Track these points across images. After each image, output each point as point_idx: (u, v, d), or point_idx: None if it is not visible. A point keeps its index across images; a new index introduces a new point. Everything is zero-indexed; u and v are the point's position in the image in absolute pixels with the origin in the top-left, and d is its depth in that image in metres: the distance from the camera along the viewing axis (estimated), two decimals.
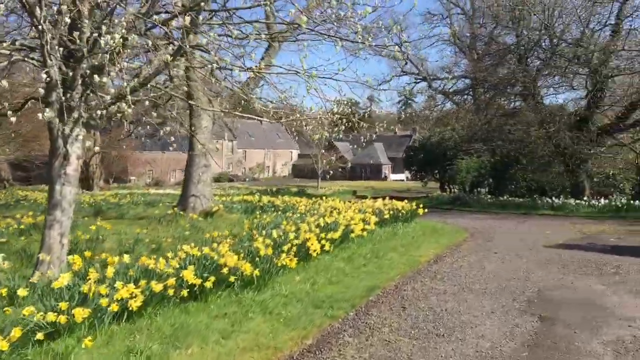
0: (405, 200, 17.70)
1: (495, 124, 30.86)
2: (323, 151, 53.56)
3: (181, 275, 6.62)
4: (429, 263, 10.25)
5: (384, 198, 17.57)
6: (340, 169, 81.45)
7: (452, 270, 9.68)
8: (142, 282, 6.17)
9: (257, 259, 8.01)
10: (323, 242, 9.82)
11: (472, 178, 36.52)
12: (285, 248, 8.76)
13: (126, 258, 7.17)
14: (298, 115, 10.30)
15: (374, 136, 11.36)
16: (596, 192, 26.84)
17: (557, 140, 24.77)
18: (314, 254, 9.24)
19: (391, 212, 15.69)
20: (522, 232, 15.25)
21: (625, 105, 24.27)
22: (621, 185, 27.04)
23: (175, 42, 7.24)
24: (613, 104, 25.58)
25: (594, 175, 27.16)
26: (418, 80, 47.68)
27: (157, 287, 6.13)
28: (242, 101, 10.79)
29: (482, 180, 36.83)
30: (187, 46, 6.83)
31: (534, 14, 25.60)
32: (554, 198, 24.03)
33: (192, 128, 18.21)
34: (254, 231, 11.18)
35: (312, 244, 9.28)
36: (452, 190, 39.01)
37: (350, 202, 18.76)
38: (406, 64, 48.75)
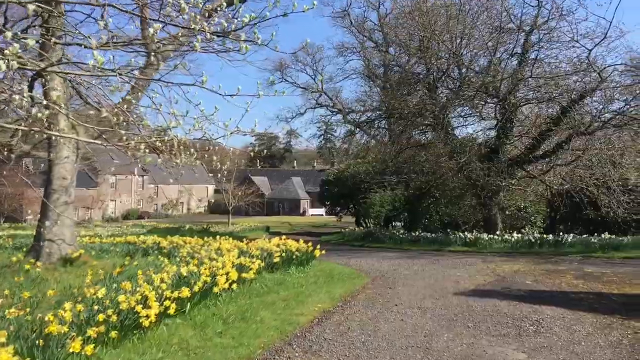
0: (306, 241, 15.51)
1: (407, 155, 29.69)
2: (232, 186, 50.95)
3: None
4: (310, 325, 7.98)
5: (282, 236, 15.30)
6: (257, 205, 78.88)
7: (336, 335, 7.46)
8: None
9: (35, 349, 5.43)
10: (167, 303, 7.34)
11: (386, 212, 35.18)
12: (100, 318, 6.24)
13: None
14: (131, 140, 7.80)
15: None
16: (509, 226, 25.90)
17: (468, 171, 23.64)
18: (147, 323, 6.73)
19: (283, 254, 13.43)
20: (431, 275, 13.38)
21: (534, 136, 23.53)
22: (532, 218, 26.29)
23: None
24: (522, 135, 24.91)
25: (506, 208, 26.24)
26: (333, 113, 46.53)
27: None
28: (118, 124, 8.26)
29: (397, 214, 35.60)
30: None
31: (442, 43, 24.70)
32: (466, 233, 22.70)
33: (49, 159, 15.35)
34: (87, 289, 8.51)
35: (143, 310, 6.77)
36: (368, 225, 37.54)
37: (248, 241, 16.29)
38: (320, 95, 47.74)
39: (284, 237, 15.78)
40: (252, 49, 5.17)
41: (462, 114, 27.30)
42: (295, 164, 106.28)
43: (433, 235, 23.97)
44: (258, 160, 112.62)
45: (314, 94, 47.13)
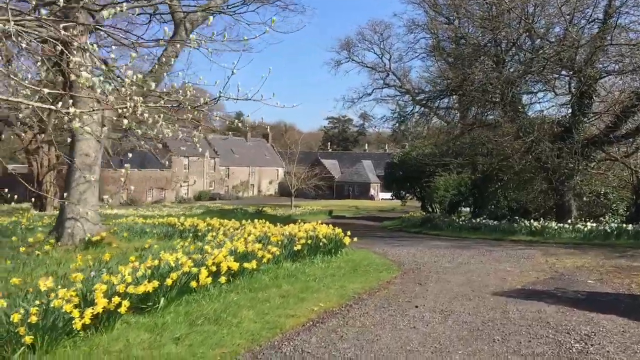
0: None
1: (472, 136, 27.39)
2: (295, 168, 50.07)
3: None
4: (295, 331, 6.60)
5: (323, 221, 13.92)
6: (326, 188, 78.07)
7: (320, 347, 6.04)
8: None
9: None
10: (116, 300, 6.14)
11: (450, 196, 33.05)
12: (14, 318, 5.15)
13: None
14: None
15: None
16: (586, 213, 23.24)
17: (537, 153, 21.20)
18: (79, 326, 5.54)
19: (309, 241, 12.09)
20: (475, 269, 11.59)
21: (615, 113, 20.70)
22: (614, 205, 23.40)
23: None
24: (602, 113, 22.07)
25: (583, 194, 23.52)
26: (401, 93, 44.33)
27: None
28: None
29: (462, 199, 33.41)
30: None
31: (512, 10, 22.21)
32: (532, 221, 20.39)
33: (72, 135, 14.72)
34: (75, 275, 7.54)
35: (77, 311, 5.59)
36: (435, 210, 35.53)
37: (282, 225, 15.02)
38: (388, 75, 45.62)
39: (319, 222, 14.41)
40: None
41: (533, 89, 24.71)
42: (366, 147, 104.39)
43: (496, 222, 21.82)
44: (329, 143, 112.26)
45: (382, 74, 45.16)
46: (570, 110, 21.84)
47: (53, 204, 45.68)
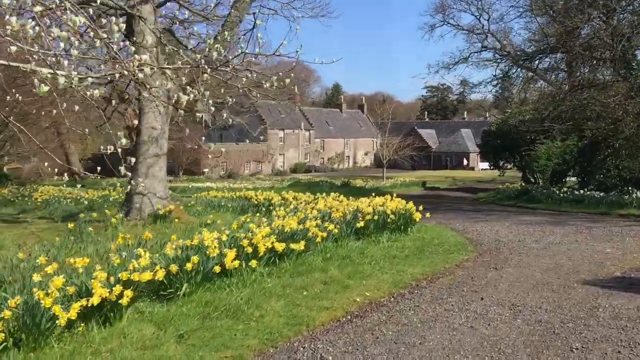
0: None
1: (581, 98, 24.56)
2: (386, 138, 48.39)
3: None
4: (325, 328, 5.59)
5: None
6: (422, 158, 75.85)
7: (344, 353, 4.98)
8: None
9: None
10: (117, 289, 5.41)
11: (553, 166, 30.24)
12: None
13: None
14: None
15: None
16: None
17: None
18: (63, 322, 4.83)
19: (375, 217, 10.98)
20: (567, 250, 9.91)
21: None
22: None
23: None
24: None
25: None
26: (502, 57, 41.17)
27: None
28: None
29: (566, 168, 30.51)
30: None
31: None
32: None
33: (139, 107, 14.47)
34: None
35: (58, 307, 4.92)
36: (537, 180, 32.84)
37: (354, 199, 13.98)
38: (486, 37, 42.47)
39: (391, 195, 13.19)
40: None
41: None
42: (465, 115, 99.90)
43: (603, 194, 19.37)
44: (426, 113, 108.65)
45: (479, 36, 42.10)
46: None
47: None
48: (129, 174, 4.95)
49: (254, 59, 6.25)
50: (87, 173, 5.85)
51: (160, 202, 14.23)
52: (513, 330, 5.54)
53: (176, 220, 13.90)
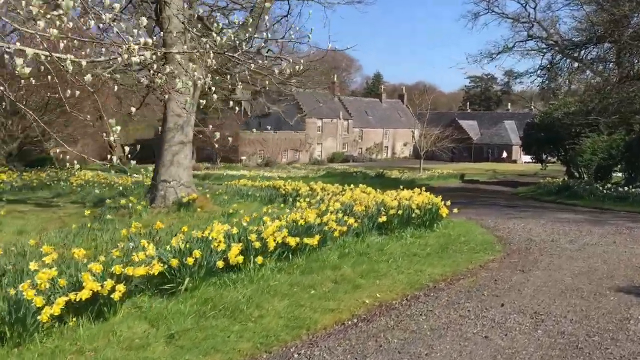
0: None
1: (629, 90, 23.35)
2: (424, 129, 47.40)
3: None
4: (327, 332, 5.23)
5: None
6: (464, 150, 74.42)
7: None
8: None
9: None
10: (108, 284, 5.17)
11: (599, 160, 29.01)
12: None
13: None
14: None
15: None
16: None
17: None
18: (45, 317, 4.63)
19: (399, 211, 10.53)
20: (603, 252, 9.25)
21: None
22: None
23: None
24: None
25: None
26: (548, 46, 39.62)
27: None
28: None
29: (613, 163, 29.26)
30: None
31: None
32: None
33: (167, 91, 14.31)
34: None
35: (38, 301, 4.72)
36: (582, 175, 31.60)
37: (380, 191, 13.54)
38: (532, 26, 40.91)
39: (420, 189, 12.68)
40: None
41: None
42: (509, 107, 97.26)
43: None
44: (468, 103, 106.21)
45: (525, 25, 40.57)
46: None
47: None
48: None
49: (292, 47, 5.99)
50: (125, 158, 5.54)
51: (185, 190, 14.11)
52: (532, 342, 5.06)
53: (199, 209, 13.75)
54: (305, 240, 7.89)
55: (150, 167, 33.36)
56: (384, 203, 10.89)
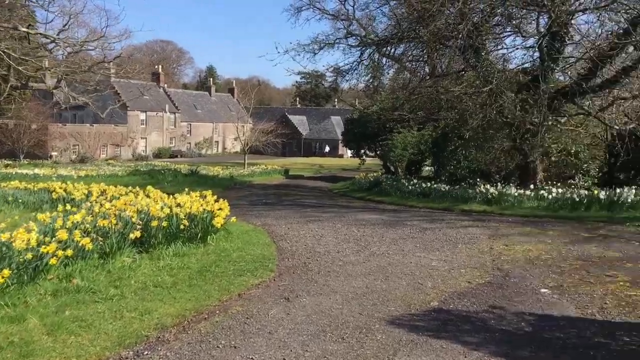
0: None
1: (437, 87, 23.90)
2: (246, 125, 46.16)
3: None
4: None
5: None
6: (278, 146, 74.47)
7: None
8: None
9: None
10: None
11: (409, 155, 29.78)
12: None
13: None
14: None
15: None
16: (554, 175, 20.27)
17: (499, 106, 17.82)
18: None
19: (164, 223, 8.62)
20: (389, 264, 8.25)
21: (591, 57, 17.21)
22: (585, 166, 20.25)
23: None
24: (577, 58, 18.63)
25: (551, 154, 20.32)
26: (367, 44, 40.18)
27: None
28: None
29: (422, 158, 30.32)
30: None
31: None
32: (489, 187, 17.16)
33: None
34: None
35: None
36: (396, 170, 32.35)
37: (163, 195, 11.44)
38: (351, 24, 41.24)
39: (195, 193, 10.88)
40: None
41: (499, 32, 21.07)
42: (335, 103, 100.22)
43: (448, 188, 18.61)
44: (297, 99, 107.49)
45: (344, 22, 40.81)
46: (538, 54, 18.36)
47: None
48: None
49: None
50: None
51: None
52: None
53: None
54: None
55: None
56: (149, 212, 8.94)
